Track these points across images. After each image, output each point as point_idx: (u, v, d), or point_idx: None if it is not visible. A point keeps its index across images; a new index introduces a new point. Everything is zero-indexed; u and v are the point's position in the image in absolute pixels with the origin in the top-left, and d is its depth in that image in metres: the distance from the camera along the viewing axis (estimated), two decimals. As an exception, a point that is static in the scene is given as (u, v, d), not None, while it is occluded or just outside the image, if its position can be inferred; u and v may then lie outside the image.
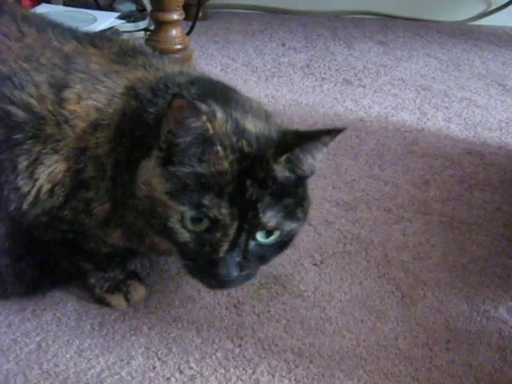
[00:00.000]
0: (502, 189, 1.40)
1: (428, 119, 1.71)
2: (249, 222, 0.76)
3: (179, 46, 1.59)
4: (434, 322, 1.01)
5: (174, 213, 0.76)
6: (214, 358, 0.93)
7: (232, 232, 0.76)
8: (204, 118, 0.73)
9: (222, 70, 1.96)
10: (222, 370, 0.91)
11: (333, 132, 0.78)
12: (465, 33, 2.47)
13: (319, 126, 1.56)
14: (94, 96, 0.87)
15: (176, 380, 0.89)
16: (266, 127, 0.82)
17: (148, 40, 1.60)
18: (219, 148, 0.75)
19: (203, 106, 0.76)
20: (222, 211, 0.75)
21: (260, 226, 0.77)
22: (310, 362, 0.93)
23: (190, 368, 0.92)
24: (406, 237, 1.22)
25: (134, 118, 0.86)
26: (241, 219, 0.75)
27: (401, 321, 1.01)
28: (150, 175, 0.79)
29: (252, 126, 0.80)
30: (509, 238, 1.23)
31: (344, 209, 1.28)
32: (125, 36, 2.06)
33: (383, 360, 0.94)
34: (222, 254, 0.77)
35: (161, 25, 1.57)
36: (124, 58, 0.95)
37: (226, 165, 0.75)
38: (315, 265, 1.12)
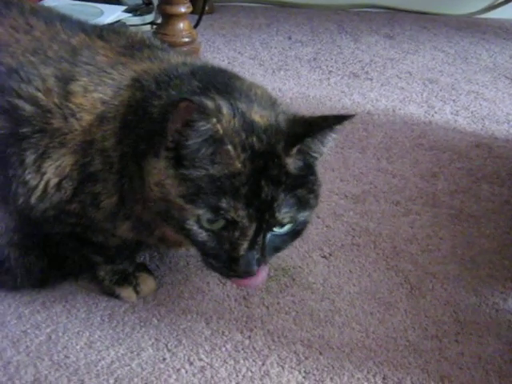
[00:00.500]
0: (510, 181, 1.40)
1: (435, 112, 1.71)
2: (266, 221, 0.77)
3: (187, 39, 1.59)
4: (442, 314, 1.01)
5: (191, 215, 0.77)
6: (223, 349, 0.94)
7: (251, 233, 0.77)
8: (214, 120, 0.73)
9: (229, 63, 1.96)
10: (232, 362, 0.91)
11: (342, 118, 0.78)
12: (472, 26, 2.46)
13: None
14: (100, 89, 0.87)
15: (186, 371, 0.90)
16: (273, 116, 0.81)
17: (155, 33, 1.60)
18: (230, 147, 0.75)
19: (210, 105, 0.75)
20: (240, 213, 0.75)
21: (277, 224, 0.78)
22: (320, 353, 0.93)
23: (200, 359, 0.92)
24: (414, 229, 1.22)
25: (138, 110, 0.85)
26: (258, 220, 0.76)
27: (410, 313, 1.01)
28: (162, 177, 0.78)
29: (259, 117, 0.80)
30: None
31: (352, 201, 1.28)
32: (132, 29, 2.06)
33: (392, 352, 0.94)
34: (242, 253, 0.78)
35: (168, 18, 1.57)
36: (131, 50, 0.95)
37: (238, 165, 0.75)
38: (324, 257, 1.12)
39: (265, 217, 0.76)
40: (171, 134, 0.76)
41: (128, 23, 2.07)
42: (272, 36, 2.23)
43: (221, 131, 0.74)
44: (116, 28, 1.11)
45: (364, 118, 1.63)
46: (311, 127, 0.79)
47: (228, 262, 0.79)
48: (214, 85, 0.84)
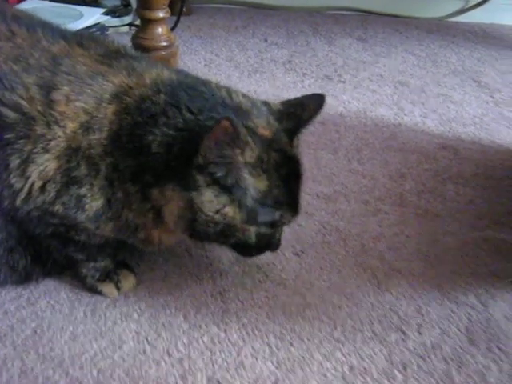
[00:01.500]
0: (474, 182, 1.46)
1: (405, 114, 1.77)
2: None
3: (165, 43, 1.63)
4: (407, 307, 1.08)
5: (254, 233, 0.93)
6: (200, 342, 0.99)
7: None
8: (238, 151, 0.85)
9: (206, 65, 2.01)
10: (209, 353, 0.97)
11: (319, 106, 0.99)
12: (442, 29, 2.54)
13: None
14: (81, 98, 0.91)
15: (165, 363, 0.95)
16: (270, 121, 0.92)
17: (134, 37, 1.64)
18: (247, 175, 0.88)
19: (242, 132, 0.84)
20: (288, 218, 0.95)
21: None
22: (291, 344, 0.99)
23: (179, 351, 0.97)
24: (382, 228, 1.28)
25: (133, 139, 0.90)
26: None
27: (376, 307, 1.08)
28: (219, 206, 0.88)
29: (263, 130, 0.90)
30: (480, 229, 1.29)
31: (324, 201, 1.34)
32: (110, 31, 2.10)
33: (359, 343, 1.00)
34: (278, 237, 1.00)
35: (147, 22, 1.61)
36: (109, 59, 0.98)
37: (266, 182, 0.89)
38: (296, 254, 1.18)
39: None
40: (207, 156, 0.84)
41: (107, 25, 2.11)
42: (248, 38, 2.29)
43: (241, 161, 0.86)
44: (95, 35, 1.15)
45: (336, 120, 1.69)
46: (301, 118, 0.95)
47: (267, 246, 0.99)
48: (212, 106, 0.91)
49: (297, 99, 0.99)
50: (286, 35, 2.34)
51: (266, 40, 2.28)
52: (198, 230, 0.91)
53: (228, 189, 0.87)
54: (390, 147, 1.58)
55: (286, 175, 0.91)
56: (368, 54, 2.21)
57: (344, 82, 1.96)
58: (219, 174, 0.86)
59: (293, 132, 0.94)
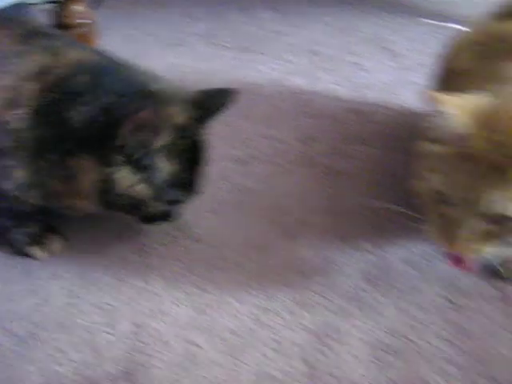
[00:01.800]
0: (380, 143, 1.58)
1: (318, 83, 1.89)
2: None
3: (84, 21, 1.70)
4: (312, 255, 1.20)
5: (159, 208, 1.07)
6: (126, 294, 1.10)
7: None
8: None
9: (127, 41, 2.08)
10: (133, 303, 1.08)
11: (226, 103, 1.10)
12: (356, -1, 2.66)
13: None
14: (3, 76, 0.98)
15: (94, 314, 1.06)
16: (183, 108, 1.03)
17: (54, 15, 1.70)
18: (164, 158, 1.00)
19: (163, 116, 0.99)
20: (189, 197, 1.09)
21: None
22: (207, 291, 1.11)
23: (106, 303, 1.08)
24: (292, 186, 1.40)
25: (55, 115, 0.97)
26: None
27: (285, 256, 1.20)
28: (133, 183, 1.00)
29: (177, 117, 1.02)
30: (384, 185, 1.42)
31: (239, 165, 1.45)
32: (31, 8, 2.14)
33: (269, 288, 1.12)
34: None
35: (66, 0, 1.67)
36: (29, 39, 1.05)
37: (175, 166, 1.02)
38: (211, 213, 1.29)
39: None
40: (126, 139, 0.95)
41: (29, 2, 2.14)
42: (169, 13, 2.36)
43: (157, 145, 0.97)
44: (14, 14, 1.22)
45: (253, 89, 1.80)
46: (210, 109, 1.07)
47: (167, 218, 1.13)
48: (132, 90, 1.00)
49: (209, 91, 1.10)
50: (205, 9, 2.42)
51: (186, 14, 2.36)
52: (111, 202, 1.01)
53: (142, 169, 0.99)
54: (303, 113, 1.70)
55: (192, 160, 1.05)
56: (284, 25, 2.32)
57: (260, 52, 2.06)
58: (135, 156, 0.97)
59: (201, 121, 1.07)
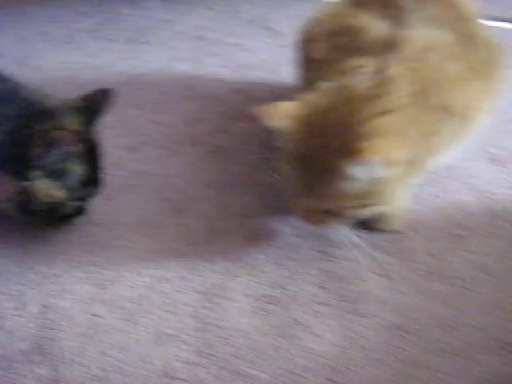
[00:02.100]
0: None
1: (203, 66, 2.01)
2: None
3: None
4: (200, 226, 1.34)
5: (73, 207, 1.25)
6: (31, 279, 1.22)
7: None
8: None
9: (17, 42, 2.14)
10: (38, 287, 1.20)
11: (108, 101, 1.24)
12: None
13: (109, 86, 1.80)
14: None
15: (6, 301, 1.18)
16: (75, 117, 1.19)
17: None
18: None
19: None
20: (96, 191, 1.29)
21: None
22: (103, 269, 1.23)
23: (13, 290, 1.20)
24: (181, 166, 1.53)
25: None
26: None
27: (177, 230, 1.34)
28: (49, 191, 1.16)
29: (73, 126, 1.18)
30: (263, 156, 1.57)
31: (129, 151, 1.57)
32: None
33: (162, 259, 1.26)
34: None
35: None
36: None
37: (82, 167, 1.20)
38: (106, 199, 1.40)
39: None
40: (39, 159, 1.11)
41: None
42: (57, 10, 2.42)
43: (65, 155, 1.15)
44: None
45: (139, 79, 1.91)
46: (95, 110, 1.23)
47: (79, 213, 1.30)
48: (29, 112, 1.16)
49: (90, 94, 1.24)
50: (92, 4, 2.49)
51: (74, 10, 2.43)
52: (31, 209, 1.15)
53: (57, 176, 1.15)
54: (188, 97, 1.83)
55: (92, 158, 1.21)
56: (170, 13, 2.42)
57: (147, 43, 2.16)
58: (48, 169, 1.12)
59: (91, 123, 1.22)
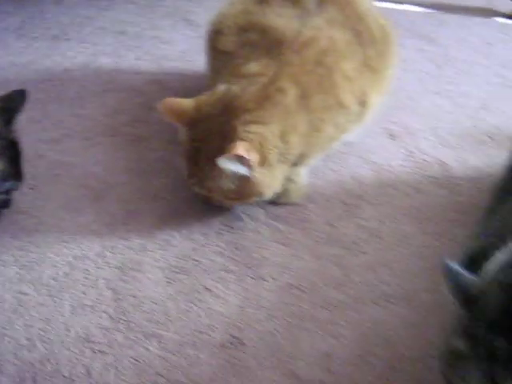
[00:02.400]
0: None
1: (123, 60, 2.12)
2: None
3: None
4: (118, 209, 1.47)
5: None
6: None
7: None
8: None
9: None
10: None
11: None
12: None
13: (32, 83, 1.92)
14: None
15: None
16: None
17: None
18: None
19: None
20: (19, 185, 1.41)
21: None
22: (30, 252, 1.36)
23: None
24: (101, 155, 1.65)
25: None
26: None
27: (95, 213, 1.47)
28: None
29: None
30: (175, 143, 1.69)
31: (53, 144, 1.68)
32: None
33: (82, 239, 1.39)
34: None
35: None
36: None
37: (3, 164, 1.32)
38: (30, 189, 1.51)
39: None
40: None
41: None
42: (-20, 10, 2.50)
43: None
44: None
45: (62, 75, 2.01)
46: (12, 110, 1.34)
47: (4, 206, 1.41)
48: None
49: (5, 95, 1.35)
50: (16, 2, 2.57)
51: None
52: None
53: None
54: (109, 90, 1.94)
55: (13, 155, 1.32)
56: (93, 10, 2.52)
57: (70, 39, 2.26)
58: None
59: (9, 121, 1.32)
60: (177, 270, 1.32)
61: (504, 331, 0.86)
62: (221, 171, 1.28)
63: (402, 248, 1.40)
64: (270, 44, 1.45)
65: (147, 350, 1.16)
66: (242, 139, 1.27)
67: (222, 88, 1.35)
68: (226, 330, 1.20)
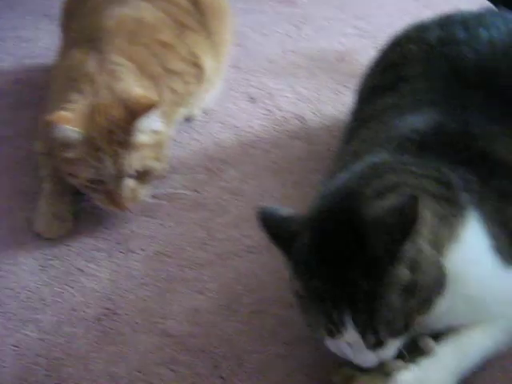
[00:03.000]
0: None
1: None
2: None
3: None
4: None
5: None
6: None
7: None
8: None
9: None
10: None
11: None
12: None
13: None
14: None
15: None
16: None
17: None
18: None
19: None
20: None
21: None
22: None
23: None
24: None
25: None
26: None
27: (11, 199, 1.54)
28: None
29: None
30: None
31: None
32: None
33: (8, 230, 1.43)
34: None
35: None
36: None
37: None
38: None
39: None
40: None
41: None
42: None
43: None
44: None
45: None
46: None
47: None
48: None
49: None
50: None
51: None
52: None
53: None
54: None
55: None
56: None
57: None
58: None
59: None
60: (50, 257, 1.38)
61: (319, 269, 0.89)
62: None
63: (264, 202, 1.47)
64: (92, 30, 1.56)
65: (26, 335, 1.23)
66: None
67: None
68: (99, 304, 1.28)
